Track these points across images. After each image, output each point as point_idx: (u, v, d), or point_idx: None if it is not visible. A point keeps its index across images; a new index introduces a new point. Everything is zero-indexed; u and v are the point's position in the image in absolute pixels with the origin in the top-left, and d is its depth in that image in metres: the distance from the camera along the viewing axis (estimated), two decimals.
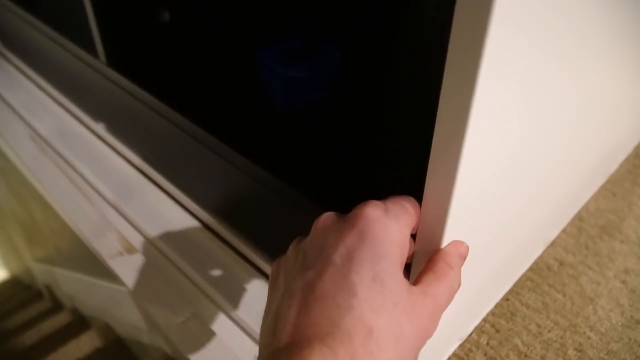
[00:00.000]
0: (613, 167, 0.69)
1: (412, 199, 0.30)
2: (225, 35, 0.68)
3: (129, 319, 0.98)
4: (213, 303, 0.56)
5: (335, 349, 0.24)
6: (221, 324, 0.54)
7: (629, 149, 0.73)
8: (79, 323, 1.44)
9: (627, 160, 0.71)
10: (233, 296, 0.54)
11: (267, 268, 0.54)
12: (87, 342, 1.17)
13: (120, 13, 0.70)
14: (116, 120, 0.75)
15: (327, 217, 0.31)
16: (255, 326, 0.52)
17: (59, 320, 1.50)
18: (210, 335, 0.53)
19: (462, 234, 0.31)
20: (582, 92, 0.38)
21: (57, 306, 1.73)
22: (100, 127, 0.77)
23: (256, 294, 0.55)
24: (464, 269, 0.31)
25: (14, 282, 2.45)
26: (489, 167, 0.29)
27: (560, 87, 0.33)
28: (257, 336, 0.52)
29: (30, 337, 1.43)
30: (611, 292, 0.53)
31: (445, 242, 0.30)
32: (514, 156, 0.32)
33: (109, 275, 0.64)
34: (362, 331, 0.25)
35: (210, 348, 0.52)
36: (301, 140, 0.54)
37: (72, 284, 1.39)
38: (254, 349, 0.52)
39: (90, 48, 0.70)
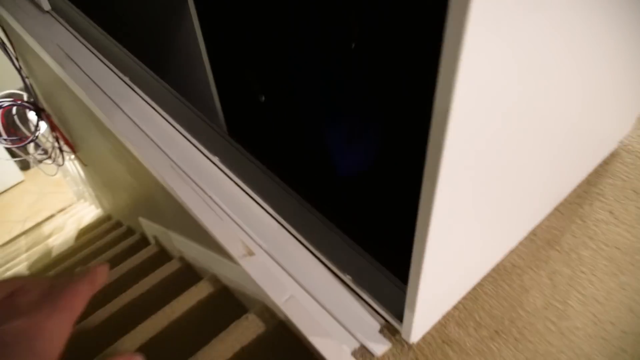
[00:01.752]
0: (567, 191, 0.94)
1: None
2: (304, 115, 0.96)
3: (236, 279, 1.16)
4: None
5: None
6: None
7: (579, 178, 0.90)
8: (190, 271, 1.52)
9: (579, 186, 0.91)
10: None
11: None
12: (203, 288, 1.22)
13: (233, 93, 0.97)
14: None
15: None
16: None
17: (171, 267, 1.54)
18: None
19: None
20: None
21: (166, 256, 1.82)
22: (216, 160, 1.06)
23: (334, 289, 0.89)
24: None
25: (128, 231, 2.58)
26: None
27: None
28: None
29: (146, 282, 1.51)
30: None
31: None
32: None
33: (226, 254, 0.86)
34: None
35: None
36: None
37: (185, 248, 1.51)
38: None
39: (214, 118, 0.99)
